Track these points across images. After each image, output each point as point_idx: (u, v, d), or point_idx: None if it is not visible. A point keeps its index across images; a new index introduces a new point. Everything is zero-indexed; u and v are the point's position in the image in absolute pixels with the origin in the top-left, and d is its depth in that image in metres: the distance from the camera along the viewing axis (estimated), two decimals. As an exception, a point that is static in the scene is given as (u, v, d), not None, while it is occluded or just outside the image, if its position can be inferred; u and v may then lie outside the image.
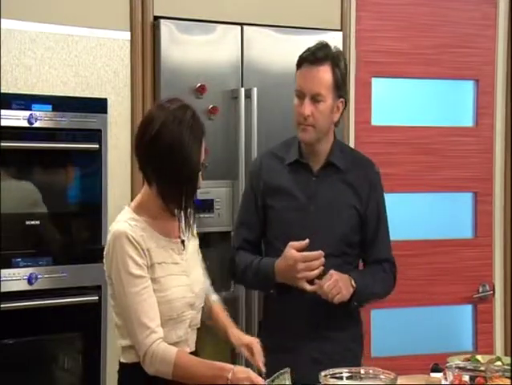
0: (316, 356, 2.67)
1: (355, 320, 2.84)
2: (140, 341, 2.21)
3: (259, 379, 2.19)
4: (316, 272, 2.62)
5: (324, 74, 2.68)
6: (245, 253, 2.81)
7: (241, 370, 2.19)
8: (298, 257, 2.61)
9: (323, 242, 2.67)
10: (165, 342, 2.23)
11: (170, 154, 2.23)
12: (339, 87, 2.71)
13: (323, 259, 2.62)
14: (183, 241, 2.38)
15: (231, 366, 2.21)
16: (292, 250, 2.62)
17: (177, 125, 2.25)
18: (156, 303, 2.24)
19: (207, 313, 2.51)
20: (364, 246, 2.81)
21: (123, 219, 2.30)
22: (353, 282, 2.67)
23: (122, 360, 2.35)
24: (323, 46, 2.72)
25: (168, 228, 2.35)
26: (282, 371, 2.28)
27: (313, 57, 2.68)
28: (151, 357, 2.21)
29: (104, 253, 2.31)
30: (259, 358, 2.38)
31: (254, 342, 2.42)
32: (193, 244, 2.45)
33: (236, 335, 2.46)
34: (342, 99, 2.74)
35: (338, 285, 2.59)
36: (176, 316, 2.29)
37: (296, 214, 2.74)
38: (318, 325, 2.71)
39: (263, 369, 2.35)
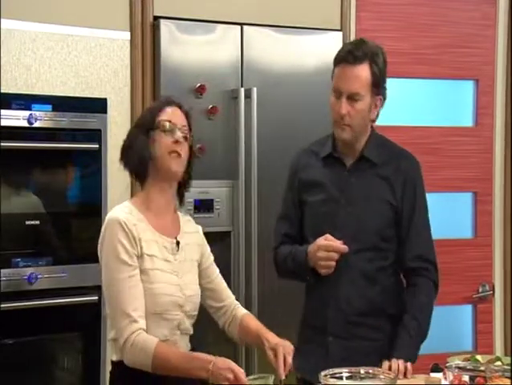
0: (349, 354, 2.63)
1: (397, 324, 2.72)
2: (122, 329, 2.20)
3: (241, 371, 2.13)
4: (333, 263, 2.61)
5: (362, 72, 2.62)
6: (285, 246, 2.79)
7: (222, 361, 2.15)
8: (321, 245, 2.60)
9: (355, 235, 2.65)
10: (146, 333, 2.20)
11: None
12: (378, 85, 2.66)
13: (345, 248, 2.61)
14: (178, 243, 2.37)
15: (212, 357, 2.16)
16: (323, 239, 2.62)
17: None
18: (143, 294, 2.23)
19: (237, 329, 2.47)
20: (400, 242, 2.73)
21: (118, 208, 2.32)
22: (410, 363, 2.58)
23: (112, 359, 2.34)
24: (360, 44, 2.67)
25: (165, 227, 2.35)
26: (265, 375, 2.23)
27: (351, 56, 2.62)
28: (130, 346, 2.18)
29: (99, 240, 2.31)
30: (279, 363, 2.26)
31: (278, 346, 2.31)
32: (191, 251, 2.42)
33: (267, 338, 2.35)
34: (380, 96, 2.69)
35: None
36: (160, 312, 2.27)
37: (328, 207, 2.71)
38: (350, 322, 2.68)
39: (282, 376, 2.25)
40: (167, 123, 2.33)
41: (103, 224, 2.31)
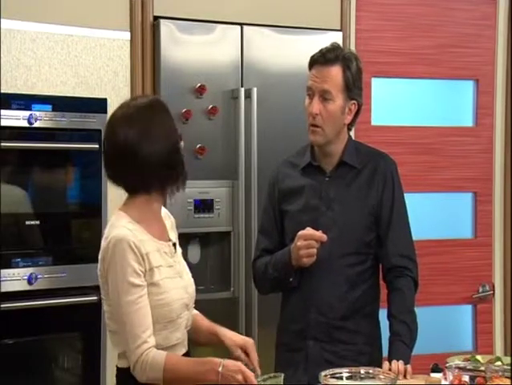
0: (328, 357, 2.65)
1: (372, 321, 2.77)
2: (132, 350, 2.20)
3: (250, 373, 2.16)
4: (313, 251, 2.61)
5: (334, 73, 2.67)
6: (263, 258, 2.81)
7: (231, 363, 2.17)
8: (301, 234, 2.61)
9: (336, 241, 2.66)
10: (155, 349, 2.20)
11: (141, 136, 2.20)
12: (350, 89, 2.68)
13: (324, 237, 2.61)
14: (174, 244, 2.36)
15: (220, 359, 2.18)
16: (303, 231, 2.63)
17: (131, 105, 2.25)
18: (150, 312, 2.21)
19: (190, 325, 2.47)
20: (381, 241, 2.74)
21: (121, 224, 2.24)
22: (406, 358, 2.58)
23: (118, 365, 2.33)
24: (334, 48, 2.72)
25: (159, 232, 2.33)
26: (276, 374, 2.26)
27: (323, 58, 2.68)
28: (141, 366, 2.19)
29: (100, 257, 2.25)
30: (254, 359, 2.35)
31: (248, 343, 2.38)
32: (177, 246, 2.43)
33: (228, 336, 2.41)
34: (354, 101, 2.71)
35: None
36: (176, 317, 2.27)
37: (308, 215, 2.72)
38: (331, 326, 2.69)
39: (258, 370, 2.31)
40: None
41: (105, 241, 2.22)
